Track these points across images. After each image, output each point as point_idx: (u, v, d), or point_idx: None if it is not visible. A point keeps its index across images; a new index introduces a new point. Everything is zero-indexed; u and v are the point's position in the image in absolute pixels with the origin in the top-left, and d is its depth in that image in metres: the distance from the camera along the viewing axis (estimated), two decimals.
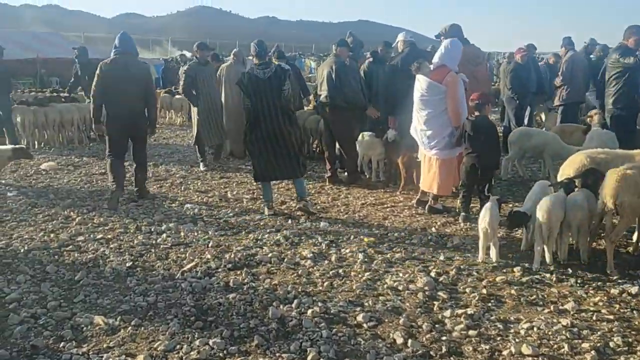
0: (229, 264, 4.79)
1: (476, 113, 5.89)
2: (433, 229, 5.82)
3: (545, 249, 4.61)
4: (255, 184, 7.85)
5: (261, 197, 7.01)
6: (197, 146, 9.29)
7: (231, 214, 6.41)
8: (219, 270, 4.69)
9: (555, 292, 4.14)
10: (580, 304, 3.94)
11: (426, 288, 4.22)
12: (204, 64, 9.18)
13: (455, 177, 6.27)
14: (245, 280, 4.43)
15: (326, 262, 4.87)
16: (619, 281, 4.29)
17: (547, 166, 7.89)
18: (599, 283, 4.26)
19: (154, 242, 5.43)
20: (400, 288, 4.24)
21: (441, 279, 4.44)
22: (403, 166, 7.38)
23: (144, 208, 6.68)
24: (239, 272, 4.62)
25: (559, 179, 5.26)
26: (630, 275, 4.43)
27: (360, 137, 8.14)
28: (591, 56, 10.47)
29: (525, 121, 10.36)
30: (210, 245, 5.33)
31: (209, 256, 4.98)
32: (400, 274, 4.55)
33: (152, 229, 5.80)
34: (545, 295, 4.09)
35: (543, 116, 11.75)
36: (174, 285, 4.36)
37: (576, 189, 4.83)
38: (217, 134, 9.39)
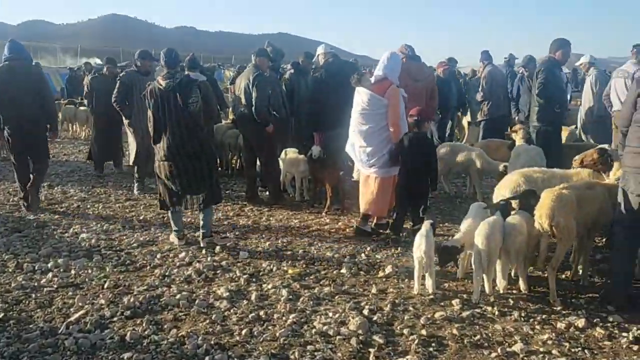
0: (128, 310, 4.03)
1: (415, 130, 5.53)
2: (363, 255, 5.34)
3: (485, 278, 4.23)
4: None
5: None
6: (136, 166, 8.01)
7: (135, 245, 5.60)
8: (115, 319, 3.91)
9: (500, 329, 3.75)
10: (529, 343, 3.56)
11: (360, 332, 3.68)
12: (145, 73, 7.91)
13: (392, 197, 5.87)
14: (146, 332, 3.69)
15: (245, 302, 4.22)
16: (563, 312, 3.98)
17: (473, 182, 7.70)
18: (544, 316, 3.92)
19: (36, 284, 4.54)
20: (330, 333, 3.68)
21: (375, 317, 3.93)
22: (329, 185, 6.89)
23: (29, 239, 5.71)
24: (139, 321, 3.87)
25: (494, 200, 4.95)
26: (573, 304, 4.14)
27: (282, 154, 7.59)
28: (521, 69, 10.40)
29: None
30: (106, 286, 4.51)
31: (102, 301, 4.18)
32: (330, 314, 4.00)
33: (36, 267, 4.88)
34: (490, 334, 3.68)
35: (466, 130, 11.75)
36: (54, 343, 3.54)
37: (512, 212, 4.52)
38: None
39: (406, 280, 4.65)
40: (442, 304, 4.17)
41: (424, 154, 5.45)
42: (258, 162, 7.44)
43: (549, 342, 3.53)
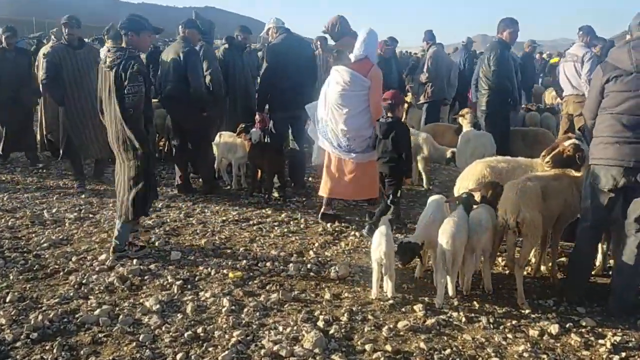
0: (35, 331, 3.32)
1: (389, 114, 5.11)
2: (311, 252, 4.84)
3: (449, 280, 3.86)
4: (83, 196, 6.26)
5: (90, 214, 5.53)
6: (69, 160, 6.89)
7: (46, 245, 4.80)
8: (18, 344, 3.20)
9: (470, 339, 3.37)
10: (503, 356, 3.21)
11: (316, 350, 3.19)
12: (76, 46, 6.63)
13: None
14: None
15: (179, 316, 3.62)
16: (532, 316, 3.67)
17: (420, 168, 7.38)
18: (514, 322, 3.59)
19: None
20: (283, 354, 3.16)
21: (332, 330, 3.45)
22: (270, 172, 6.31)
23: None
24: (48, 346, 3.18)
25: (455, 192, 4.58)
26: (541, 306, 3.85)
27: (217, 138, 6.91)
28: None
29: None
30: (8, 299, 3.76)
31: (3, 320, 3.44)
32: (280, 327, 3.48)
33: None
34: (461, 347, 3.30)
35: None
36: None
37: (475, 205, 4.17)
38: (96, 142, 6.67)
39: (362, 282, 4.20)
40: (403, 310, 3.76)
41: (398, 139, 5.08)
42: (190, 147, 6.71)
43: (525, 354, 3.19)
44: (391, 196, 5.05)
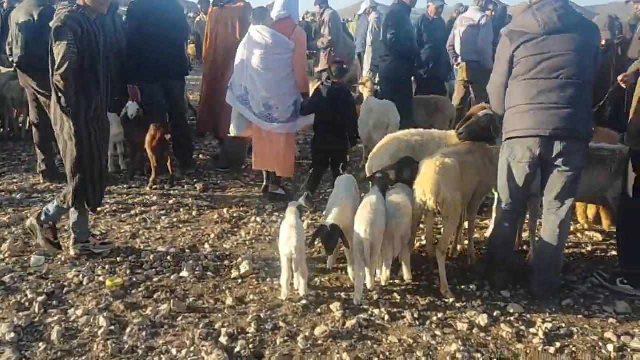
0: None
1: (336, 79, 4.77)
2: (207, 245, 4.20)
3: (367, 272, 3.42)
4: None
5: None
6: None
7: None
8: None
9: (397, 342, 2.97)
10: (431, 355, 2.85)
11: None
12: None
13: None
14: None
15: (42, 345, 2.85)
16: (457, 305, 3.36)
17: None
18: (439, 314, 3.25)
19: None
20: None
21: (238, 347, 2.88)
22: (152, 152, 5.49)
23: None
24: None
25: (367, 171, 4.14)
26: (465, 292, 3.55)
27: None
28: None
29: None
30: None
31: None
32: (174, 350, 2.85)
33: None
34: (388, 352, 2.89)
35: None
36: None
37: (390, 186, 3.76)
38: None
39: (268, 279, 3.66)
40: (319, 311, 3.28)
41: (344, 106, 4.72)
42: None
43: (458, 355, 2.85)
44: (341, 165, 4.50)
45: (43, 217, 3.86)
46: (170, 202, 5.10)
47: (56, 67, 3.50)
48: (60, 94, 3.54)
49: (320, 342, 2.96)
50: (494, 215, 4.36)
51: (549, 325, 3.12)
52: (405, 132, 4.20)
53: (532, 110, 3.24)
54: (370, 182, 3.76)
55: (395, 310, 3.29)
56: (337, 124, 4.71)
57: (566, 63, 3.19)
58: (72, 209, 3.84)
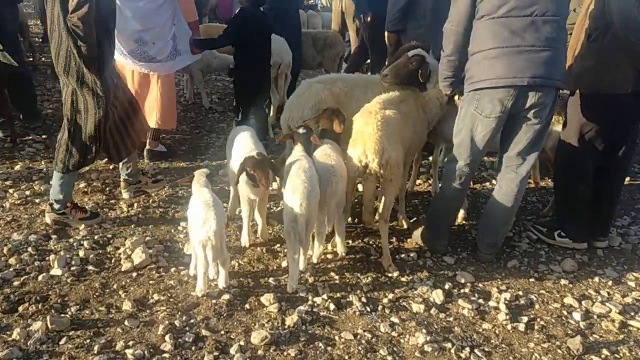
0: None
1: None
2: (81, 229, 3.24)
3: (301, 251, 2.82)
4: None
5: None
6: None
7: None
8: None
9: (352, 338, 2.46)
10: (401, 355, 2.38)
11: None
12: None
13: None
14: None
15: None
16: (403, 280, 2.94)
17: (196, 83, 6.00)
18: (389, 295, 2.79)
19: None
20: None
21: None
22: None
23: None
24: None
25: (285, 125, 3.43)
26: (405, 261, 3.13)
27: None
28: None
29: None
30: None
31: None
32: None
33: None
34: (346, 356, 2.36)
35: None
36: None
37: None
38: None
39: (172, 269, 2.89)
40: (247, 307, 2.63)
41: (268, 35, 4.30)
42: None
43: (427, 347, 2.42)
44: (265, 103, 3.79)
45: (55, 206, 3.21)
46: (17, 167, 3.94)
47: None
48: None
49: (260, 352, 2.33)
50: (434, 173, 3.99)
51: (507, 296, 2.83)
52: (325, 77, 3.52)
53: (505, 55, 2.75)
54: (294, 140, 3.08)
55: (339, 295, 2.77)
56: (262, 56, 4.40)
57: None
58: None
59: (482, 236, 3.18)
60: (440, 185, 3.50)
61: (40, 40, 8.16)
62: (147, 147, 4.28)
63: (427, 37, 4.15)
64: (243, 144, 3.18)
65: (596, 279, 3.08)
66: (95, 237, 3.15)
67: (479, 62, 2.84)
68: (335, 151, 3.04)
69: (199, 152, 4.65)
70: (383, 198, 3.02)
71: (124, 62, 3.95)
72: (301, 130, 3.10)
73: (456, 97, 3.40)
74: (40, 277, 2.72)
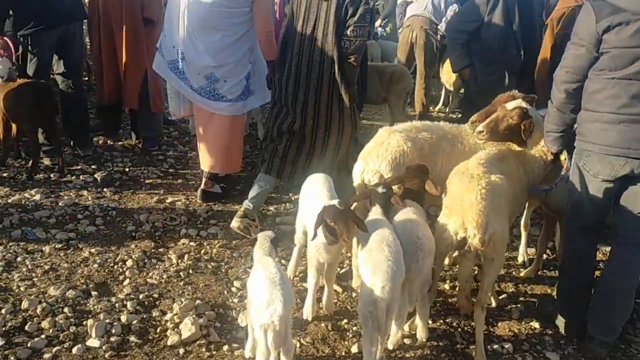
0: None
1: None
2: (123, 280, 2.87)
3: (379, 341, 2.33)
4: None
5: None
6: None
7: None
8: None
9: None
10: None
11: None
12: None
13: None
14: None
15: None
16: None
17: (251, 112, 5.63)
18: None
19: None
20: None
21: None
22: (32, 124, 3.94)
23: None
24: None
25: (357, 180, 2.96)
26: (501, 356, 2.61)
27: None
28: None
29: None
30: None
31: None
32: None
33: None
34: None
35: None
36: None
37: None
38: None
39: (225, 346, 2.46)
40: None
41: None
42: None
43: None
44: None
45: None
46: (61, 204, 3.63)
47: None
48: None
49: None
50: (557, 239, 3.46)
51: None
52: (406, 125, 3.04)
53: (621, 123, 2.37)
54: (371, 200, 2.63)
55: None
56: None
57: None
58: None
59: (593, 317, 2.63)
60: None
61: None
62: (202, 187, 3.92)
63: None
64: (317, 193, 2.77)
65: None
66: (140, 296, 2.76)
67: (591, 122, 2.46)
68: (421, 217, 2.58)
69: None
70: (482, 280, 2.51)
71: (191, 97, 3.65)
72: (380, 189, 2.65)
73: (562, 157, 2.89)
74: (74, 350, 2.34)
